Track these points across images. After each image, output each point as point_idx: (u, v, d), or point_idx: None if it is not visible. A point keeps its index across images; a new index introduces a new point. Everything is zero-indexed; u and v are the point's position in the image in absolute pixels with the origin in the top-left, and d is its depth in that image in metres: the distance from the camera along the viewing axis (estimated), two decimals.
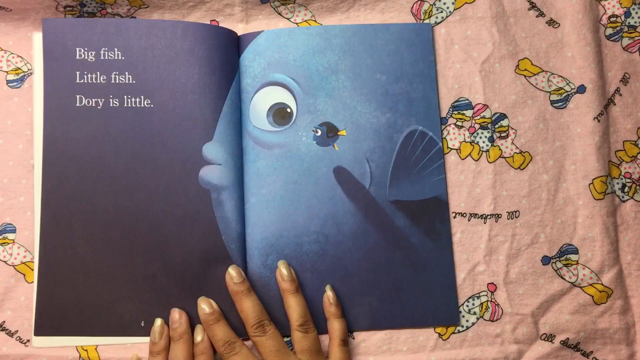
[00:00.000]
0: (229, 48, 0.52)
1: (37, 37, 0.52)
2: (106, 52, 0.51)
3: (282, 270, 0.49)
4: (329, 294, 0.50)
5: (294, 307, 0.48)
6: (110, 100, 0.51)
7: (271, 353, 0.46)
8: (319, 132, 0.52)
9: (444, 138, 0.54)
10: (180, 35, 0.51)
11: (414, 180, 0.52)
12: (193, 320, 0.49)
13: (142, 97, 0.51)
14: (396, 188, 0.52)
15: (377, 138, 0.52)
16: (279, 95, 0.53)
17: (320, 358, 0.48)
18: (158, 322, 0.49)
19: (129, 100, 0.51)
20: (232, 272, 0.49)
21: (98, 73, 0.51)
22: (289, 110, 0.53)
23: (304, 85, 0.53)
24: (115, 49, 0.51)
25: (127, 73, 0.51)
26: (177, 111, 0.50)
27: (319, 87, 0.53)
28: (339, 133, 0.52)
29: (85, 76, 0.51)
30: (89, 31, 0.51)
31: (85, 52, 0.51)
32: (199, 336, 0.48)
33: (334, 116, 0.53)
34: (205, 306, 0.48)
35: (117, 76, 0.51)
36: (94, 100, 0.51)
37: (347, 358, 0.48)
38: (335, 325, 0.49)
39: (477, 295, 0.52)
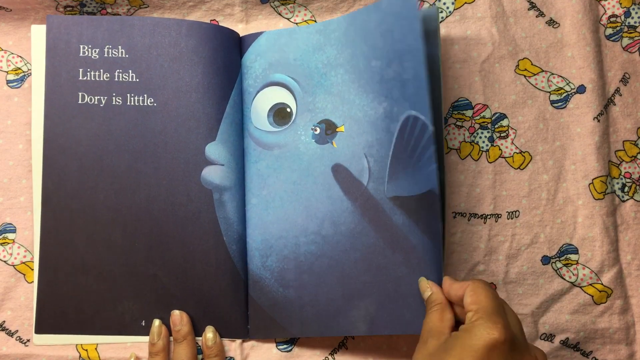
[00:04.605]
0: (232, 48, 0.52)
1: (35, 30, 0.51)
2: (110, 50, 0.50)
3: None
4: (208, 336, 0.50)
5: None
6: (113, 98, 0.50)
7: None
8: (318, 130, 0.52)
9: (445, 138, 0.54)
10: (184, 34, 0.51)
11: (410, 172, 0.50)
12: (193, 321, 0.49)
13: (146, 95, 0.50)
14: (394, 183, 0.51)
15: (374, 131, 0.51)
16: (279, 95, 0.52)
17: None
18: (156, 322, 0.49)
19: (132, 98, 0.50)
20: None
21: (101, 70, 0.50)
22: (288, 110, 0.52)
23: (304, 84, 0.52)
24: (120, 47, 0.51)
25: (130, 71, 0.50)
26: (180, 110, 0.50)
27: (318, 84, 0.52)
28: (337, 129, 0.52)
29: (88, 73, 0.50)
30: (93, 28, 0.51)
31: (89, 50, 0.50)
32: (210, 334, 0.48)
33: (333, 112, 0.52)
34: (211, 335, 0.49)
35: (120, 74, 0.50)
36: (96, 97, 0.50)
37: None
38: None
39: None
